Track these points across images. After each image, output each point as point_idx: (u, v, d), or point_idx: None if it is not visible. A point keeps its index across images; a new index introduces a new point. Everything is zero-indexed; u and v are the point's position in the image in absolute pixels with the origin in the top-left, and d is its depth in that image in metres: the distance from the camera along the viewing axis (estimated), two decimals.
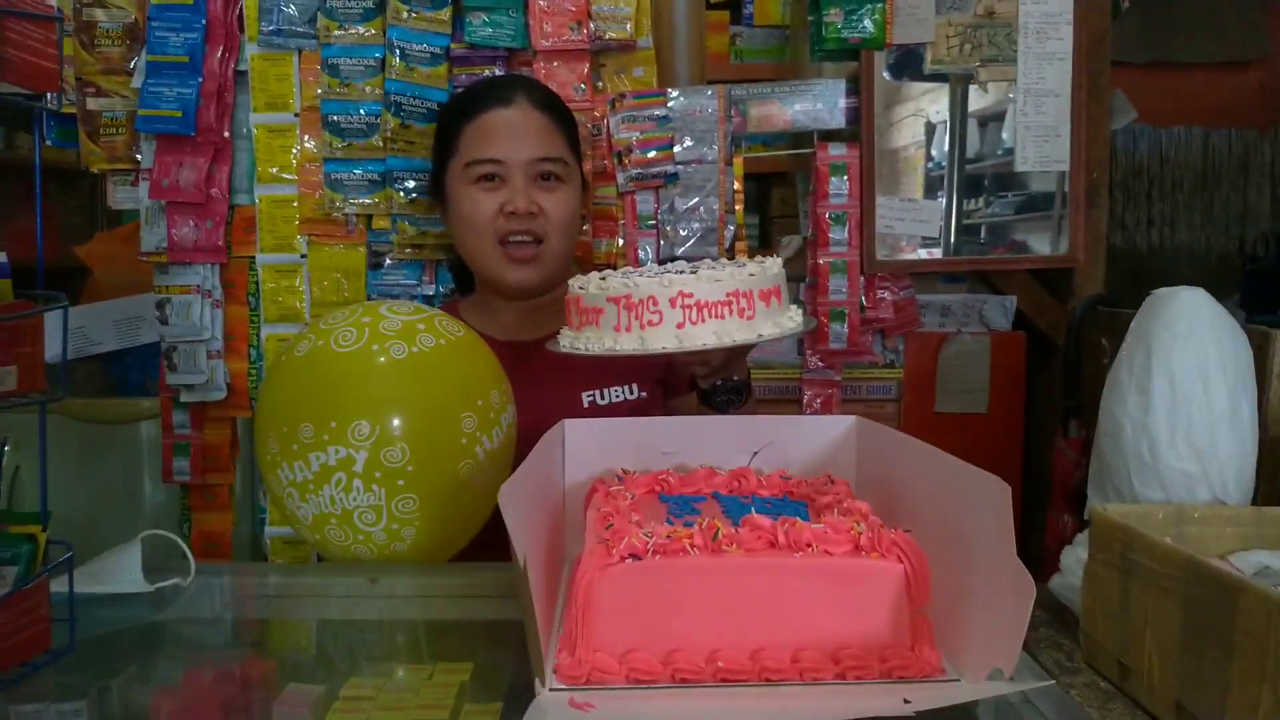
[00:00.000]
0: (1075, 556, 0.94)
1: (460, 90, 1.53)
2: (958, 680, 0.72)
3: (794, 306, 1.14)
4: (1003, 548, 0.66)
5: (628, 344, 1.05)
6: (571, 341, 1.11)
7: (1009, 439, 1.83)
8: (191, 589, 0.99)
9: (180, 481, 1.74)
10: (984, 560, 0.70)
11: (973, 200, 1.87)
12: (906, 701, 0.66)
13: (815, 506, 0.88)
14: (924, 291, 1.82)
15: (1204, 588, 0.70)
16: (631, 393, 1.42)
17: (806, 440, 1.04)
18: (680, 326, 1.04)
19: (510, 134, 1.36)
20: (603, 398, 1.41)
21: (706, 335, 1.04)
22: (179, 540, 1.01)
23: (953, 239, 1.84)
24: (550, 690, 0.70)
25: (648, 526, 0.76)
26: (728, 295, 1.05)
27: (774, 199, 3.30)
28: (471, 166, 1.36)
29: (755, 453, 1.03)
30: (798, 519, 0.76)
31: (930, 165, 1.83)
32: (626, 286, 1.05)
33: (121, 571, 0.96)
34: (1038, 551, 1.65)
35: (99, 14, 1.65)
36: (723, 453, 1.03)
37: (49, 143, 1.72)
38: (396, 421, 1.01)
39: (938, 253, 1.79)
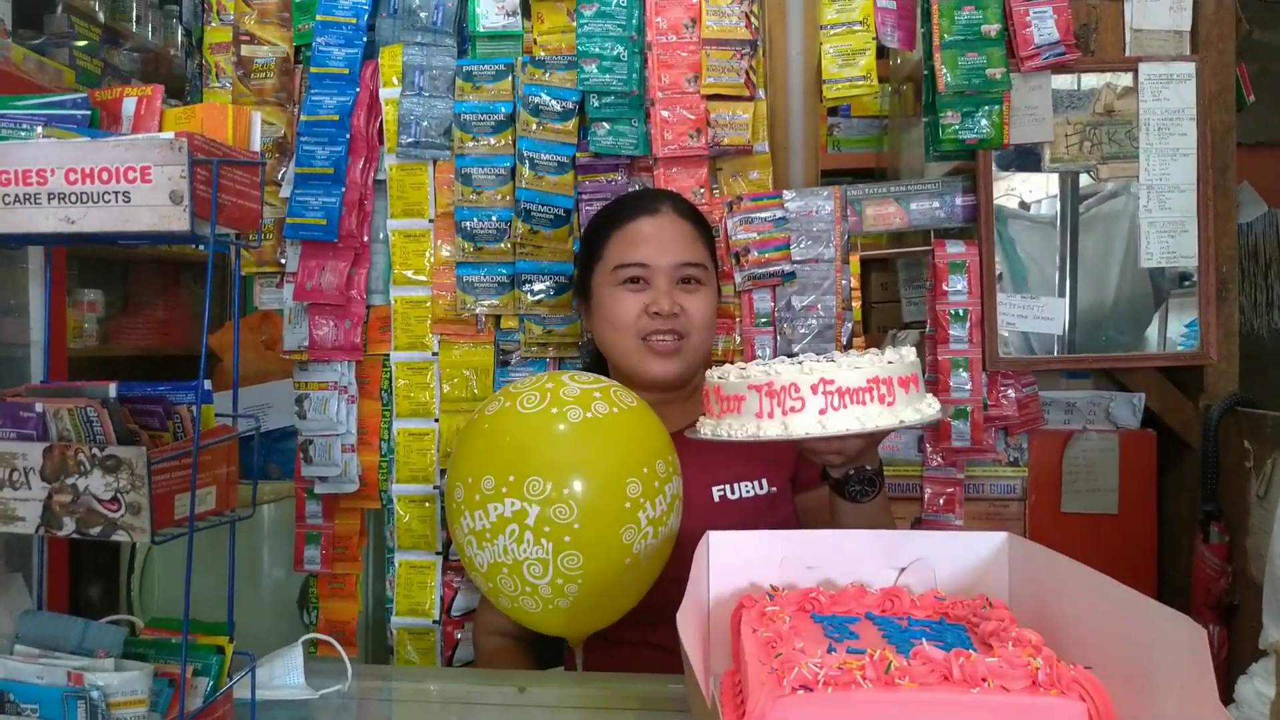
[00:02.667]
0: (1254, 689, 0.90)
1: (609, 201, 1.60)
2: None
3: (929, 395, 1.15)
4: (1204, 700, 0.64)
5: (770, 430, 1.07)
6: (713, 428, 1.13)
7: (1142, 542, 1.77)
8: (351, 694, 1.02)
9: (310, 571, 1.79)
10: (1177, 707, 0.68)
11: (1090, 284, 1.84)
12: None
13: (977, 633, 0.86)
14: (1047, 388, 1.79)
15: None
16: (761, 487, 1.43)
17: (955, 557, 1.02)
18: (822, 413, 1.06)
19: (657, 240, 1.43)
20: (733, 492, 1.43)
21: (849, 421, 1.05)
22: (337, 644, 1.05)
23: (1068, 327, 1.81)
24: None
25: (815, 655, 0.76)
26: (868, 382, 1.06)
27: (874, 284, 3.30)
28: (619, 270, 1.43)
29: (903, 569, 1.02)
30: (971, 652, 0.75)
31: (1038, 245, 1.81)
32: (768, 374, 1.07)
33: (285, 675, 1.00)
34: None
35: None
36: (868, 567, 1.02)
37: (203, 249, 1.85)
38: (567, 481, 1.08)
39: (1057, 339, 1.76)
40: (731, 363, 1.75)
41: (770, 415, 1.06)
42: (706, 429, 1.14)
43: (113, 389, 0.78)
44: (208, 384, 0.83)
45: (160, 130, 0.83)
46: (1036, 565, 0.96)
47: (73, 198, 0.75)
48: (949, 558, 1.02)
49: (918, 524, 1.75)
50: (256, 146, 0.86)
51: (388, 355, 1.74)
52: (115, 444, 0.73)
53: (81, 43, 3.08)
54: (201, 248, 0.95)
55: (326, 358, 1.73)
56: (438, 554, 1.72)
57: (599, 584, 1.09)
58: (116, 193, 0.74)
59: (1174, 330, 1.78)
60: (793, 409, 1.05)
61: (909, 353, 1.13)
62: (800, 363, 1.10)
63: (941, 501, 1.74)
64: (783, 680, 0.74)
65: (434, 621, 1.71)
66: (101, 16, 3.22)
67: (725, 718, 0.82)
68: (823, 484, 1.32)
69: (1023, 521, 1.76)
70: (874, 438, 1.18)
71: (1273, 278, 3.09)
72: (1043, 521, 1.75)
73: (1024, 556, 0.98)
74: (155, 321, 3.06)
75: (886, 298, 3.24)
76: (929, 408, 1.11)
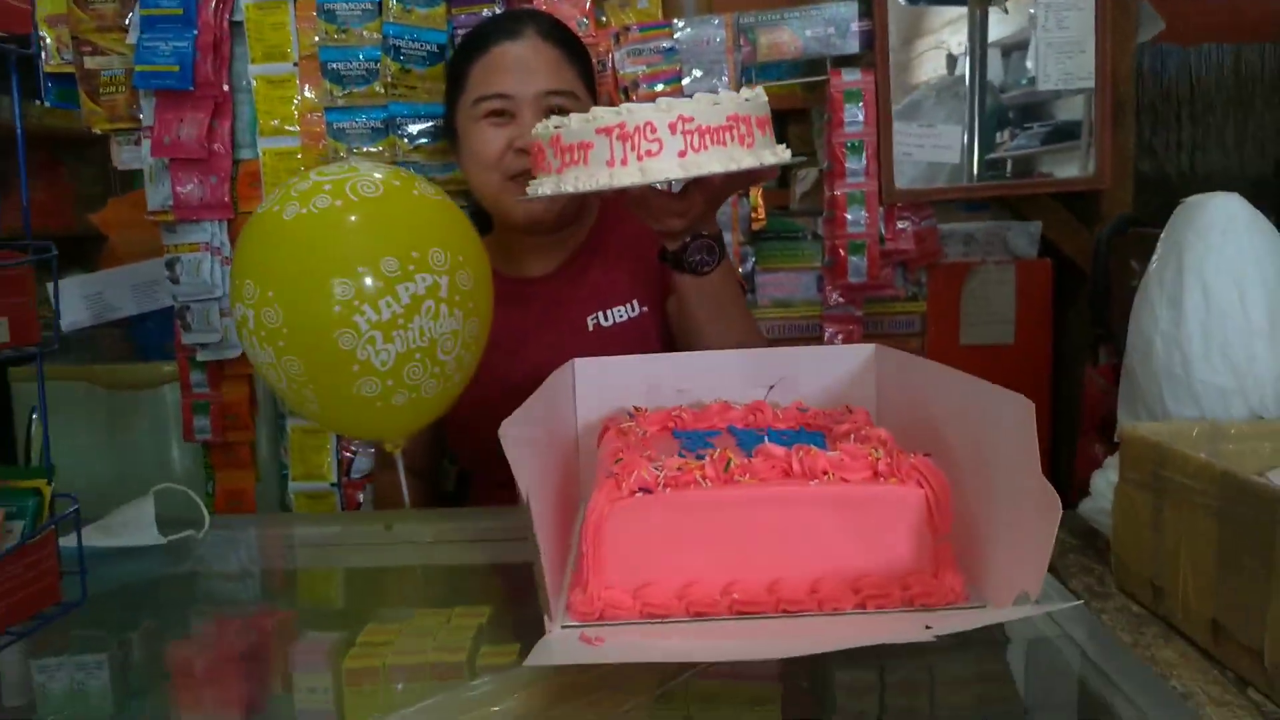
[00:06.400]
0: (1105, 479, 0.91)
1: (471, 28, 1.48)
2: (982, 606, 0.70)
3: (780, 143, 1.07)
4: (1027, 467, 0.63)
5: (625, 177, 0.97)
6: (556, 184, 1.02)
7: (1037, 370, 1.79)
8: (207, 541, 0.99)
9: (202, 440, 1.74)
10: (1008, 482, 0.67)
11: (998, 133, 1.80)
12: (928, 628, 0.64)
13: (833, 436, 0.85)
14: (946, 220, 1.76)
15: (1242, 503, 0.67)
16: (634, 310, 1.39)
17: (825, 371, 1.01)
18: (682, 155, 0.97)
19: (519, 68, 1.32)
20: (606, 319, 1.38)
21: (712, 163, 0.97)
22: (190, 493, 1.01)
23: (975, 170, 1.78)
24: (562, 628, 0.68)
25: (658, 460, 0.74)
26: (728, 120, 0.98)
27: (790, 136, 3.22)
28: (480, 103, 1.32)
29: (771, 386, 1.00)
30: (812, 447, 0.74)
31: (950, 93, 1.76)
32: (619, 115, 0.97)
33: (135, 526, 0.96)
34: (1069, 483, 1.62)
35: None
36: (738, 388, 1.00)
37: (47, 104, 1.71)
38: (270, 284, 1.04)
39: (957, 170, 1.72)
40: None
41: (624, 162, 0.96)
42: (546, 186, 1.03)
43: None
44: None
45: None
46: (900, 371, 0.95)
47: None
48: (818, 373, 1.01)
49: None
50: None
51: None
52: None
53: None
54: (44, 101, 0.86)
55: (194, 217, 1.63)
56: None
57: (334, 391, 1.05)
58: None
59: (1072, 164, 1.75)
60: (649, 153, 0.96)
61: (760, 92, 1.05)
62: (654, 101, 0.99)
63: (840, 339, 1.73)
64: (621, 484, 0.71)
65: (331, 485, 1.68)
66: None
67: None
68: (661, 260, 1.24)
69: (922, 355, 1.77)
70: (713, 200, 1.10)
71: (1184, 120, 3.08)
72: (942, 355, 1.75)
73: (889, 365, 0.97)
74: (34, 203, 2.85)
75: (802, 150, 3.16)
76: (785, 151, 1.04)
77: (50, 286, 0.86)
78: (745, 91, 1.01)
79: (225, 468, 1.77)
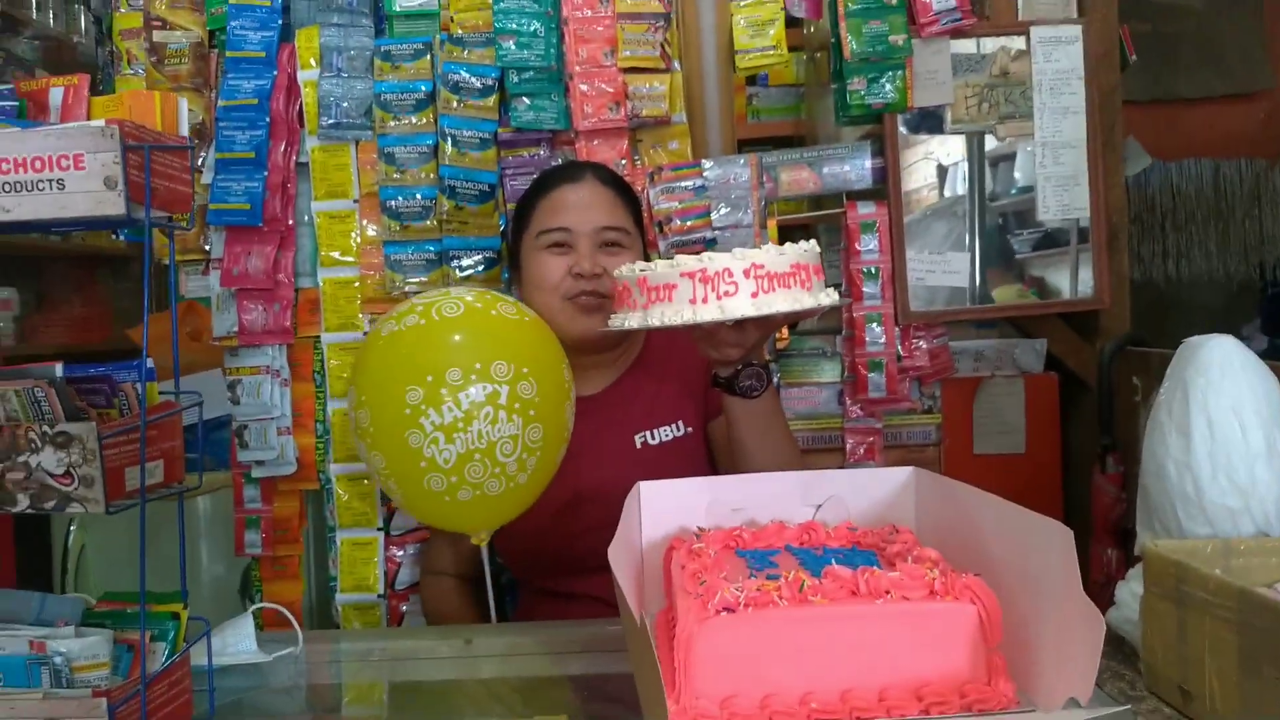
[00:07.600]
0: (1130, 590, 1.00)
1: (536, 174, 1.65)
2: (1032, 710, 0.78)
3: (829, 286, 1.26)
4: (1071, 587, 0.72)
5: (707, 314, 1.15)
6: (643, 318, 1.19)
7: (1048, 477, 1.89)
8: (302, 656, 1.07)
9: (252, 555, 1.81)
10: (1052, 599, 0.77)
11: (991, 239, 1.94)
12: None
13: (885, 555, 0.94)
14: (957, 338, 1.89)
15: (1259, 617, 0.76)
16: (679, 429, 1.51)
17: (867, 492, 1.10)
18: (755, 295, 1.15)
19: (579, 207, 1.49)
20: (653, 438, 1.50)
21: (781, 302, 1.15)
22: (286, 612, 1.09)
23: (978, 283, 1.91)
24: None
25: (737, 581, 0.83)
26: (792, 267, 1.17)
27: None
28: (543, 235, 1.48)
29: (819, 506, 1.10)
30: (875, 568, 0.83)
31: (945, 204, 1.89)
32: (701, 261, 1.16)
33: (237, 642, 1.04)
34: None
35: None
36: (787, 506, 1.10)
37: (120, 238, 1.84)
38: (361, 389, 1.27)
39: (965, 291, 1.85)
40: None
41: (705, 300, 1.14)
42: (633, 320, 1.19)
43: (59, 369, 0.80)
44: (150, 363, 0.86)
45: (88, 118, 0.85)
46: (939, 493, 1.04)
47: (6, 187, 0.77)
48: (861, 493, 1.11)
49: None
50: (185, 131, 0.88)
51: (319, 337, 1.76)
52: (64, 421, 0.76)
53: None
54: (119, 236, 0.98)
55: (257, 342, 1.74)
56: (379, 530, 1.75)
57: (406, 486, 1.22)
58: (50, 180, 0.77)
59: (1082, 282, 1.88)
60: (727, 293, 1.14)
61: (814, 244, 1.23)
62: (729, 250, 1.17)
63: (862, 450, 1.84)
64: (707, 604, 0.81)
65: (379, 596, 1.74)
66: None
67: (658, 645, 0.89)
68: (714, 387, 1.36)
69: (939, 464, 1.87)
70: (766, 332, 1.27)
71: (1168, 229, 3.26)
72: (957, 464, 1.86)
73: (928, 487, 1.07)
74: (74, 319, 2.99)
75: None
76: (835, 293, 1.23)
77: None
78: (803, 244, 1.17)
79: (273, 580, 1.83)
